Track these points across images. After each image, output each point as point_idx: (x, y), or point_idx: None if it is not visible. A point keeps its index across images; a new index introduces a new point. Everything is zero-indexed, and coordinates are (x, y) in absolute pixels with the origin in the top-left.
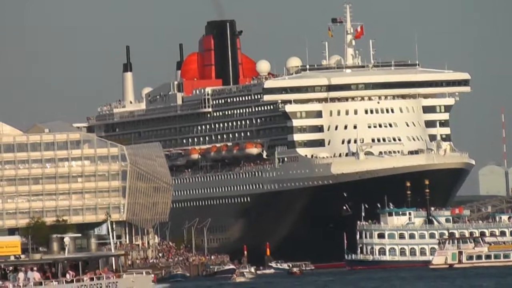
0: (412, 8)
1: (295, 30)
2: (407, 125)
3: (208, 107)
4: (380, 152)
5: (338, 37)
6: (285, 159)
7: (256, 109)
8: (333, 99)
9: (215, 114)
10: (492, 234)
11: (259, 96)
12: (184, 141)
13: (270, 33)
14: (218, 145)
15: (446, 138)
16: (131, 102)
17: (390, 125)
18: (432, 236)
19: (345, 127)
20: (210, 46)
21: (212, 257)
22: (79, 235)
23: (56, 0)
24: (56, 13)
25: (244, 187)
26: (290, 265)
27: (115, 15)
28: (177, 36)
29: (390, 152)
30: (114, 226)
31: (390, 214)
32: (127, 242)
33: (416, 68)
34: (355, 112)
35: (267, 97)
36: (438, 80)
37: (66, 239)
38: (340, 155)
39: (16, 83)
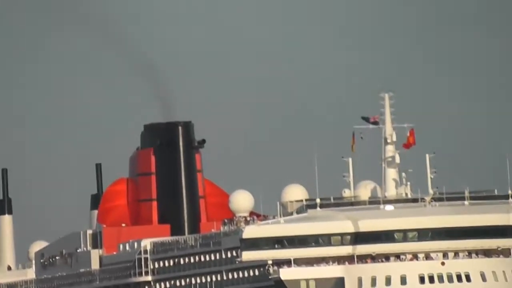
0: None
1: (296, 137)
2: None
3: (146, 274)
4: None
5: (370, 148)
6: None
7: (230, 276)
8: (362, 258)
9: (158, 287)
10: None
11: (234, 254)
12: None
13: (251, 144)
14: None
15: None
16: (9, 269)
17: None
18: None
19: None
20: (149, 168)
21: None
22: None
23: None
24: None
25: None
26: None
27: None
28: (93, 151)
29: None
30: None
31: None
32: None
33: (509, 203)
34: (403, 280)
35: (247, 255)
36: None
37: None
38: None
39: None
